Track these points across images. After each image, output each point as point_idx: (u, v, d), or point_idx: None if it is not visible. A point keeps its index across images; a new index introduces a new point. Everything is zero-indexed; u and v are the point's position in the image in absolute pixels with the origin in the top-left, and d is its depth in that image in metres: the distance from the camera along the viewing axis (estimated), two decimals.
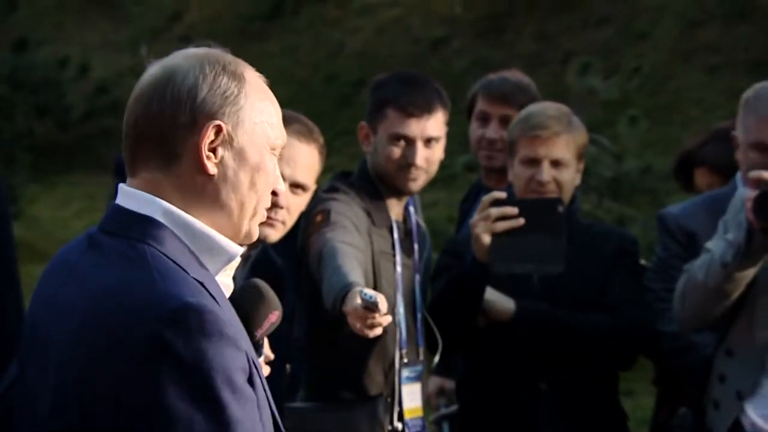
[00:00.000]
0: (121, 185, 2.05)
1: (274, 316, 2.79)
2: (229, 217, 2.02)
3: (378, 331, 2.91)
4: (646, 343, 3.72)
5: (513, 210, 3.43)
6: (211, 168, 1.97)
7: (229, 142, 1.98)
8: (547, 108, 3.73)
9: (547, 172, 3.61)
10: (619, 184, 7.81)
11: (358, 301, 2.84)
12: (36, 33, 12.96)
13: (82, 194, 11.90)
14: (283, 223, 3.29)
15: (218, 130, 1.97)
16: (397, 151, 3.51)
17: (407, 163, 3.51)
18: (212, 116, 1.97)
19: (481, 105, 4.32)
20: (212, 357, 1.85)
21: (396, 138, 3.51)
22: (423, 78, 3.68)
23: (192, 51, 2.05)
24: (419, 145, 3.51)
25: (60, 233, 10.63)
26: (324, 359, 3.57)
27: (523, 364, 3.63)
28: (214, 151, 1.97)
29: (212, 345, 1.86)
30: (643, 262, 3.94)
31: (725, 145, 3.84)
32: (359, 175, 3.63)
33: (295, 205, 3.31)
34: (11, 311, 4.16)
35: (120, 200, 2.03)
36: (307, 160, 3.33)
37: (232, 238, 2.04)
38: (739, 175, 3.70)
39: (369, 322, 2.86)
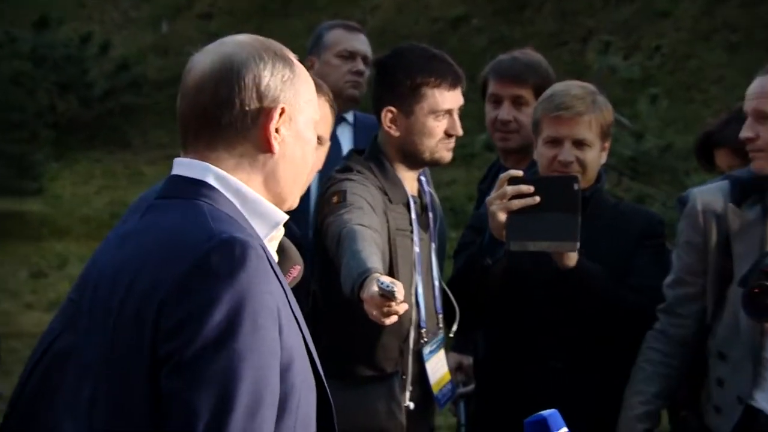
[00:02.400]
0: (177, 158, 2.21)
1: (295, 271, 2.81)
2: (283, 188, 2.22)
3: (393, 319, 2.91)
4: None
5: (528, 188, 3.41)
6: (276, 147, 2.17)
7: (289, 122, 2.18)
8: (571, 87, 3.68)
9: (569, 153, 3.59)
10: (639, 163, 7.75)
11: (375, 288, 2.84)
12: (57, 11, 12.95)
13: (103, 171, 11.93)
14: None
15: (282, 112, 2.16)
16: (442, 126, 3.55)
17: (451, 134, 3.58)
18: (276, 100, 2.17)
19: (492, 87, 4.30)
20: (246, 287, 2.00)
21: (440, 113, 3.54)
22: (438, 52, 3.68)
23: (240, 38, 2.22)
24: (456, 116, 3.59)
25: (81, 210, 10.67)
26: (340, 337, 3.55)
27: (539, 342, 3.62)
28: (277, 130, 2.17)
29: (249, 277, 2.00)
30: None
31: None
32: (371, 154, 3.62)
33: (316, 159, 3.29)
34: None
35: (175, 170, 2.20)
36: (323, 113, 3.30)
37: (278, 207, 2.23)
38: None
39: (385, 310, 2.86)
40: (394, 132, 3.57)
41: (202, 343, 1.96)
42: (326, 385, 2.20)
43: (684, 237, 3.48)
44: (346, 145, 4.60)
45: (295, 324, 2.12)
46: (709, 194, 3.46)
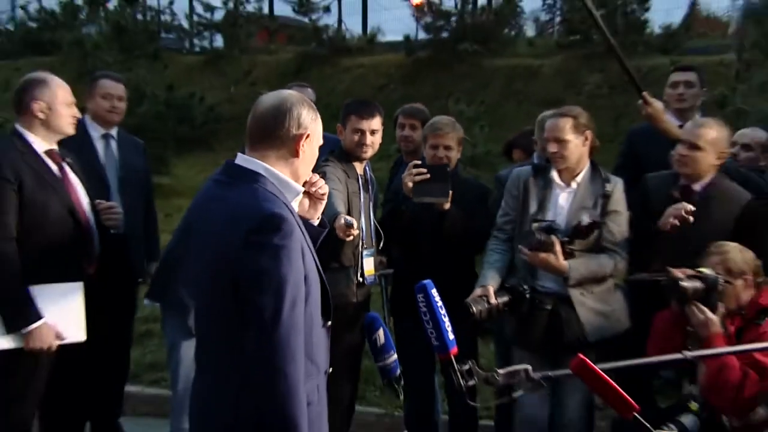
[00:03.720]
0: (239, 154, 2.09)
1: None
2: (299, 177, 2.11)
3: (351, 237, 2.91)
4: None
5: (423, 170, 3.42)
6: (300, 153, 2.08)
7: (309, 142, 2.10)
8: (442, 118, 3.72)
9: (442, 152, 3.61)
10: (475, 159, 7.85)
11: (342, 221, 2.85)
12: (179, 81, 12.53)
13: (204, 164, 11.68)
14: None
15: (307, 136, 2.09)
16: (356, 138, 3.47)
17: (362, 143, 3.47)
18: (306, 129, 2.09)
19: (401, 119, 4.29)
20: (284, 242, 1.91)
21: (356, 131, 3.47)
22: (368, 101, 3.60)
23: (290, 92, 2.11)
24: (368, 134, 3.48)
25: (188, 182, 10.48)
26: (322, 248, 3.51)
27: (428, 256, 3.59)
28: (303, 146, 2.09)
29: (283, 233, 1.92)
30: None
31: (529, 138, 3.93)
32: (338, 152, 3.56)
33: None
34: (153, 229, 4.24)
35: (237, 161, 2.09)
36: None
37: None
38: (535, 154, 3.68)
39: (347, 232, 2.85)
40: (341, 137, 3.52)
41: (264, 268, 1.88)
42: (325, 280, 2.12)
43: (508, 192, 3.42)
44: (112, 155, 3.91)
45: (307, 246, 2.04)
46: (522, 171, 3.42)
